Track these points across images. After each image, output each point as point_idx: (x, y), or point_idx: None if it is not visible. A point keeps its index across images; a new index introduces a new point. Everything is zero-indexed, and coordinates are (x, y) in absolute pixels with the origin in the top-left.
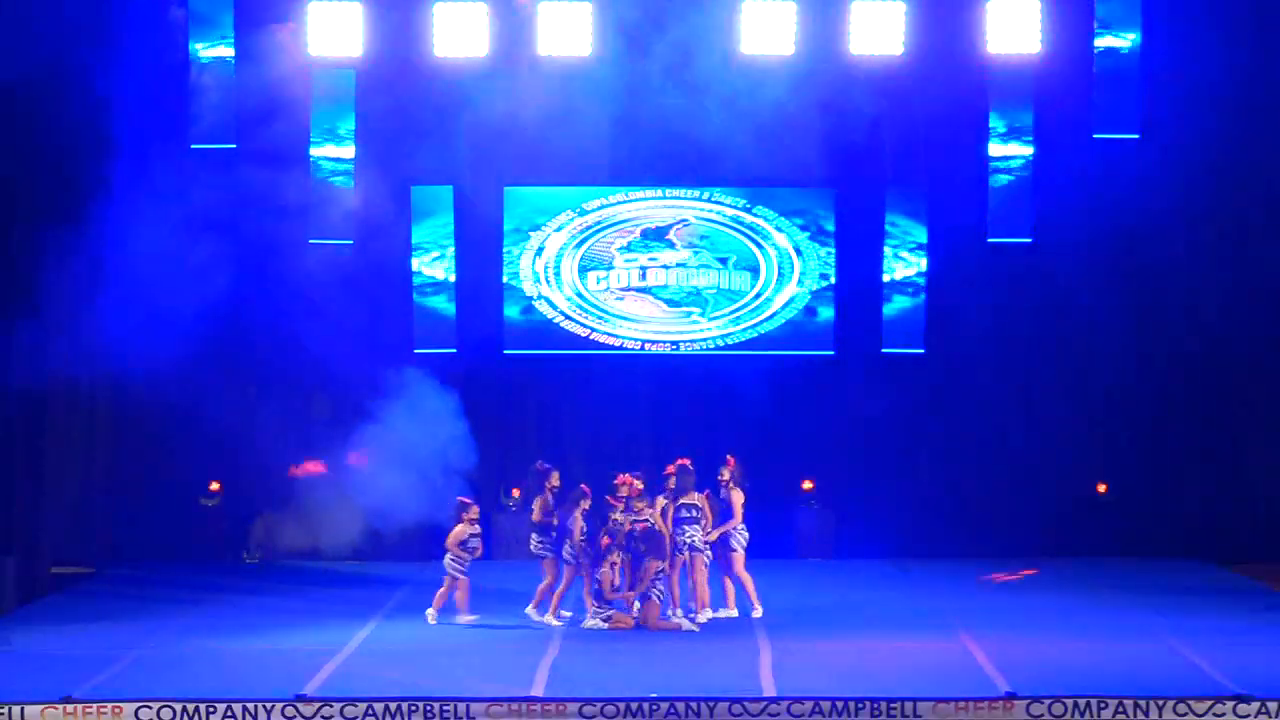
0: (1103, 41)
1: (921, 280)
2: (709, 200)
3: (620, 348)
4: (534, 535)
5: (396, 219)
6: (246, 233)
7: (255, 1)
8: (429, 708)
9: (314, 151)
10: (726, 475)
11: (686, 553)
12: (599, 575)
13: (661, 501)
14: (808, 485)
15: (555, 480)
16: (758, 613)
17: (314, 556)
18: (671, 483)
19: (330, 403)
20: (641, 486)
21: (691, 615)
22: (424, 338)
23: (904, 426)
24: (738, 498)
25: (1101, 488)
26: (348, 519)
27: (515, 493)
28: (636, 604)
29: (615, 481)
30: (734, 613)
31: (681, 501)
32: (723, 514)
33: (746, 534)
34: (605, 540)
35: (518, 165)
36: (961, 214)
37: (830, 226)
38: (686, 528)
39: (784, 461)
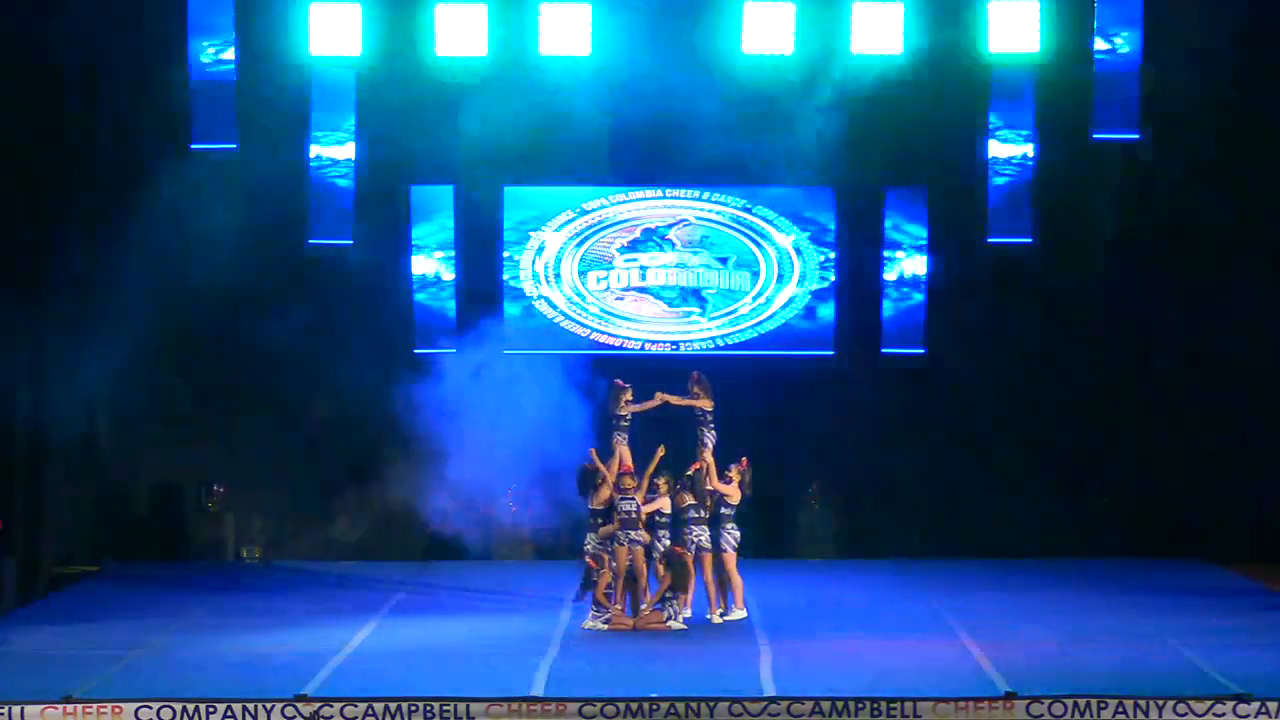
0: (1103, 42)
1: (921, 280)
2: (709, 200)
3: (620, 348)
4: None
5: (396, 219)
6: (246, 233)
7: (255, 1)
8: (429, 708)
9: (314, 151)
10: (734, 474)
11: (693, 552)
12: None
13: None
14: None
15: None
16: (735, 615)
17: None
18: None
19: (330, 403)
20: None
21: (725, 614)
22: (424, 338)
23: (904, 426)
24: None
25: None
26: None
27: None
28: (643, 608)
29: (621, 471)
30: (743, 613)
31: (689, 503)
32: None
33: (738, 533)
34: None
35: (518, 165)
36: (961, 214)
37: (830, 226)
38: (694, 527)
39: (784, 462)
